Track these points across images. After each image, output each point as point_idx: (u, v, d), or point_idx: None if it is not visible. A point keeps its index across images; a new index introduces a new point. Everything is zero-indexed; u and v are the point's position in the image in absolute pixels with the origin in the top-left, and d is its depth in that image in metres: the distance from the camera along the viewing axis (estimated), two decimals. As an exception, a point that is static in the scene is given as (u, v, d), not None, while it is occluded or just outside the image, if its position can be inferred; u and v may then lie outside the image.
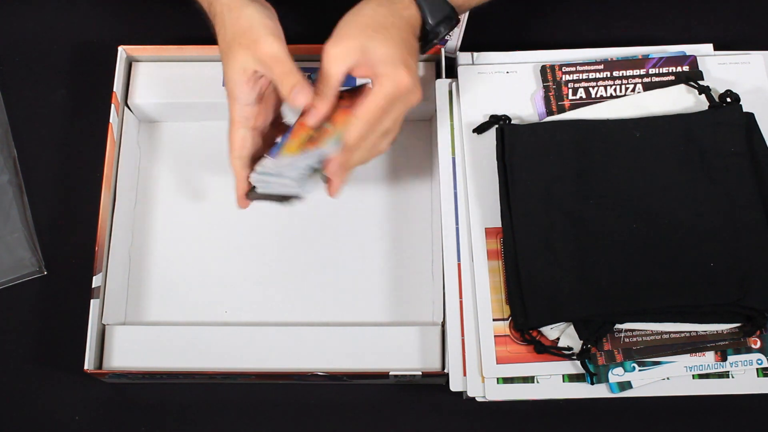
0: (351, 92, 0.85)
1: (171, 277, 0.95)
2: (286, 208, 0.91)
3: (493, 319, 0.87)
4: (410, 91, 0.81)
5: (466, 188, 0.91)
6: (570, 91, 0.95)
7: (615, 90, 0.95)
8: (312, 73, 0.98)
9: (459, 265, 0.89)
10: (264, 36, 0.81)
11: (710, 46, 0.97)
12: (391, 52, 0.80)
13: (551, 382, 0.85)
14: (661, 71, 0.95)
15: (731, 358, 0.84)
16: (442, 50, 0.96)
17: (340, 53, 0.81)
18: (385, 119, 0.82)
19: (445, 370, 0.86)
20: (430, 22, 0.85)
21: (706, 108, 0.92)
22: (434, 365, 0.88)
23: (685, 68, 0.95)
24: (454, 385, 0.85)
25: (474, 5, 0.90)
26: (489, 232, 0.90)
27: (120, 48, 0.96)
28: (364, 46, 0.80)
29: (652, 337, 0.85)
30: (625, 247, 0.86)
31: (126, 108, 0.97)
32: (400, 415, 0.91)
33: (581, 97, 0.94)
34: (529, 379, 0.85)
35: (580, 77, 0.95)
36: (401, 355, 0.88)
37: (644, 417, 0.90)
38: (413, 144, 0.99)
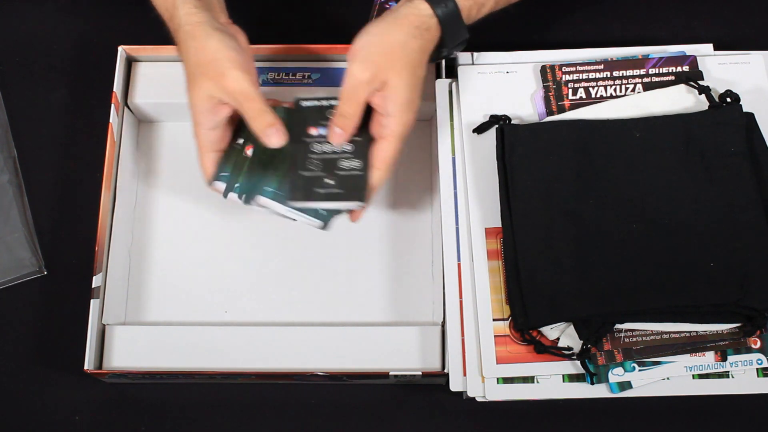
0: None
1: (171, 277, 0.95)
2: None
3: (493, 319, 0.87)
4: (412, 127, 0.85)
5: (466, 188, 0.91)
6: (570, 91, 0.95)
7: (615, 90, 0.94)
8: (312, 73, 0.98)
9: (459, 265, 0.89)
10: (229, 69, 0.81)
11: (710, 46, 0.97)
12: (407, 95, 0.83)
13: (551, 382, 0.85)
14: (661, 71, 0.95)
15: (731, 358, 0.84)
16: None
17: (367, 79, 0.82)
18: (398, 157, 0.85)
19: (445, 370, 0.86)
20: (447, 47, 0.87)
21: (706, 108, 0.92)
22: (434, 365, 0.88)
23: (685, 68, 0.95)
24: (454, 385, 0.85)
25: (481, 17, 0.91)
26: (489, 232, 0.90)
27: (120, 48, 0.96)
28: (388, 80, 0.82)
29: (652, 337, 0.85)
30: (625, 247, 0.86)
31: (126, 108, 0.97)
32: (400, 415, 0.91)
33: (581, 97, 0.94)
34: (529, 379, 0.85)
35: (580, 77, 0.95)
36: (401, 355, 0.88)
37: (644, 417, 0.90)
38: (413, 144, 0.99)
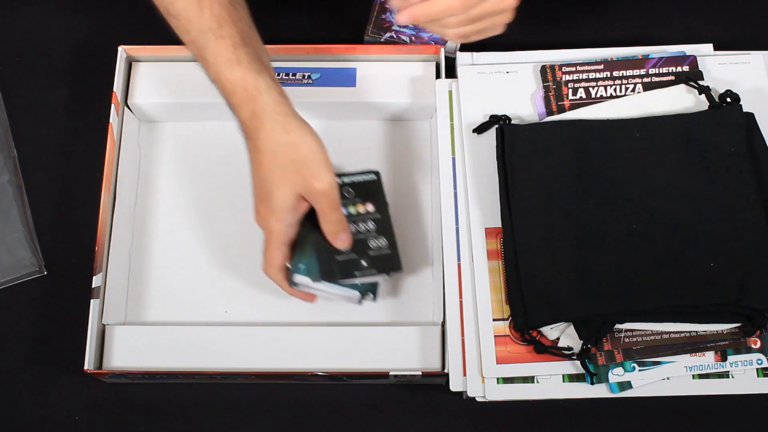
0: (362, 186, 0.90)
1: (171, 277, 0.95)
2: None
3: (493, 319, 0.87)
4: None
5: (466, 188, 0.91)
6: (570, 91, 0.95)
7: (615, 90, 0.94)
8: (312, 73, 0.98)
9: (459, 265, 0.89)
10: (325, 171, 0.82)
11: (710, 46, 0.97)
12: None
13: (551, 382, 0.85)
14: (661, 71, 0.95)
15: (731, 358, 0.84)
16: (442, 50, 0.96)
17: None
18: (476, 6, 0.81)
19: (445, 370, 0.86)
20: None
21: (706, 108, 0.92)
22: (434, 365, 0.88)
23: (685, 68, 0.95)
24: (454, 385, 0.85)
25: None
26: (489, 232, 0.90)
27: (120, 48, 0.96)
28: None
29: (652, 337, 0.85)
30: (625, 247, 0.86)
31: (126, 108, 0.97)
32: (400, 415, 0.91)
33: (581, 97, 0.94)
34: (529, 379, 0.85)
35: (580, 77, 0.95)
36: (401, 355, 0.88)
37: (644, 417, 0.90)
38: (413, 144, 0.99)
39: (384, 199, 0.90)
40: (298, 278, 0.87)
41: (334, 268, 0.86)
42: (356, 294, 0.88)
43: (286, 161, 0.82)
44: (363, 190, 0.90)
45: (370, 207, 0.90)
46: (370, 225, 0.89)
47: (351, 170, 0.90)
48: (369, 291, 0.89)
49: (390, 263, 0.88)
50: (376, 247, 0.88)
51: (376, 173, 0.91)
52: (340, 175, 0.89)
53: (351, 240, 0.86)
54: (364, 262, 0.87)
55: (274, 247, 0.85)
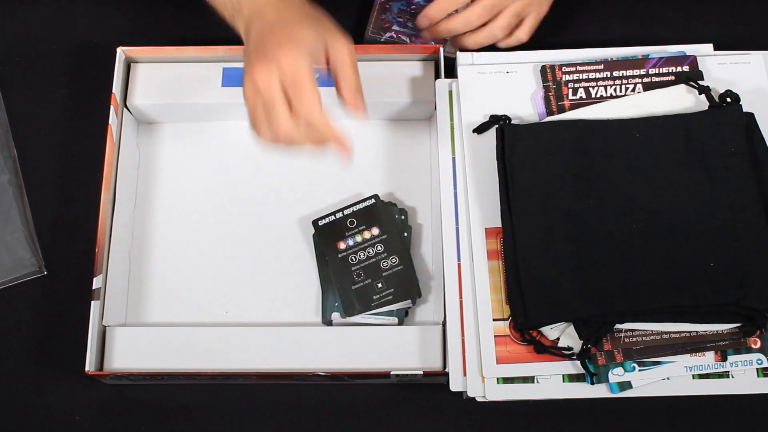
0: (364, 213, 0.93)
1: (171, 278, 0.95)
2: (288, 207, 0.92)
3: (493, 319, 0.87)
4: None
5: (466, 188, 0.92)
6: (570, 91, 0.95)
7: (615, 90, 0.94)
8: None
9: (459, 265, 0.89)
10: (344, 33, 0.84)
11: (710, 46, 0.97)
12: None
13: (551, 382, 0.85)
14: (661, 71, 0.95)
15: (731, 358, 0.85)
16: (442, 50, 0.96)
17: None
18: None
19: (446, 369, 0.86)
20: None
21: (706, 108, 0.92)
22: (435, 364, 0.88)
23: (685, 68, 0.95)
24: (454, 385, 0.85)
25: None
26: (489, 232, 0.90)
27: (118, 49, 0.96)
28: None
29: (652, 337, 0.85)
30: (625, 247, 0.86)
31: (125, 109, 0.97)
32: (401, 415, 0.91)
33: (581, 97, 0.94)
34: (529, 379, 0.85)
35: (580, 77, 0.95)
36: (402, 354, 0.88)
37: (644, 417, 0.90)
38: (413, 144, 0.99)
39: (391, 220, 0.93)
40: (335, 316, 0.91)
41: (353, 299, 0.90)
42: (394, 319, 0.91)
43: (316, 17, 0.83)
44: (365, 216, 0.93)
45: (375, 231, 0.92)
46: (379, 247, 0.91)
47: (348, 203, 0.93)
48: (405, 311, 0.92)
49: (404, 278, 0.91)
50: (388, 266, 0.91)
51: (375, 197, 0.94)
52: (339, 210, 0.93)
53: (365, 107, 0.83)
54: (379, 284, 0.90)
55: (313, 84, 0.79)
